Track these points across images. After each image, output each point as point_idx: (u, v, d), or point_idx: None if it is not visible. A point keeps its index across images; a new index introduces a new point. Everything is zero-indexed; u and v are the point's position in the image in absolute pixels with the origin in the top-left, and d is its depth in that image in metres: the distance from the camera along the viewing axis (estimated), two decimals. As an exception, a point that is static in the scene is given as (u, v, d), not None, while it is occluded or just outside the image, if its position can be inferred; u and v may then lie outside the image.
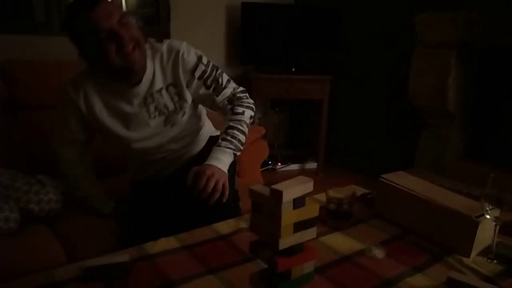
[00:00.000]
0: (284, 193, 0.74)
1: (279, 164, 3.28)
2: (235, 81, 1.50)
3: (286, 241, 0.77)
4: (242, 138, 1.40)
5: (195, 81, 1.40)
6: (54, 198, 1.45)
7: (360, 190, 1.48)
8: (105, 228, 1.47)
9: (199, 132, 1.57)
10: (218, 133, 1.59)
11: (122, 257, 1.00)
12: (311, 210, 0.80)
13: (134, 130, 1.40)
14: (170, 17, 2.78)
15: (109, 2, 1.24)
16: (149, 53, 1.36)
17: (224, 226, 1.22)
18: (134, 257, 1.03)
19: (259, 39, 3.04)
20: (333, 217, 1.23)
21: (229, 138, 1.37)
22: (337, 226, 1.22)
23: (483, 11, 2.24)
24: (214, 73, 1.42)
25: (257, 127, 2.44)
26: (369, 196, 1.39)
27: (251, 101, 1.49)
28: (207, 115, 1.66)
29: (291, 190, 0.75)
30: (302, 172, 3.23)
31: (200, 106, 1.55)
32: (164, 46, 1.38)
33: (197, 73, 1.39)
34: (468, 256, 1.07)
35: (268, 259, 0.80)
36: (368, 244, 1.11)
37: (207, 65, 1.41)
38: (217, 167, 1.29)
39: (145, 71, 1.34)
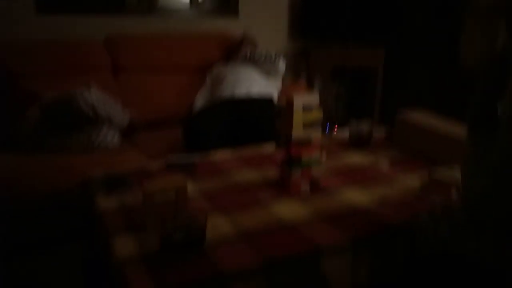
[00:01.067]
0: (295, 99, 1.09)
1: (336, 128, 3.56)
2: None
3: (298, 134, 1.12)
4: None
5: None
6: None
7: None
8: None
9: None
10: None
11: (191, 159, 1.42)
12: (316, 114, 1.14)
13: None
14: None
15: None
16: None
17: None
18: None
19: (318, 12, 3.31)
20: (354, 143, 1.54)
21: None
22: (357, 149, 1.53)
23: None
24: None
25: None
26: (389, 131, 1.67)
27: None
28: None
29: (301, 98, 1.10)
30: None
31: None
32: None
33: None
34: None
35: (286, 147, 1.15)
36: (377, 158, 1.41)
37: None
38: None
39: None
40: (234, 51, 2.64)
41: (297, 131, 1.12)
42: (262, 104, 2.08)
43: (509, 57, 0.82)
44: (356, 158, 1.47)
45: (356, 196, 1.18)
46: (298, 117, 1.11)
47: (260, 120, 1.90)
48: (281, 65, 2.56)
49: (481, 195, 0.81)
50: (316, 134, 1.15)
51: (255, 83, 2.29)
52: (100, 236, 1.08)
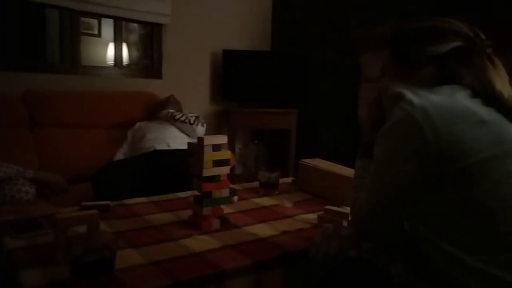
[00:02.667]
0: (205, 140, 1.22)
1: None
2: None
3: (208, 171, 1.24)
4: None
5: None
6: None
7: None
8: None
9: None
10: None
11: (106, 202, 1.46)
12: (225, 154, 1.27)
13: None
14: (162, 62, 3.36)
15: None
16: None
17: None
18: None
19: (238, 80, 3.60)
20: (263, 187, 1.69)
21: None
22: (265, 193, 1.67)
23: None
24: None
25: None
26: (295, 178, 1.86)
27: None
28: None
29: (211, 139, 1.24)
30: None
31: None
32: None
33: None
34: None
35: (197, 184, 1.26)
36: (282, 200, 1.57)
37: None
38: None
39: None
40: (157, 110, 2.76)
41: (208, 169, 1.24)
42: (179, 154, 2.17)
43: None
44: (264, 201, 1.61)
45: (262, 230, 1.29)
46: (208, 156, 1.23)
47: (177, 169, 1.98)
48: (199, 129, 2.59)
49: (362, 210, 0.97)
50: (224, 172, 1.28)
51: (176, 139, 2.41)
52: (6, 274, 1.06)
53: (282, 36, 3.94)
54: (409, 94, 0.87)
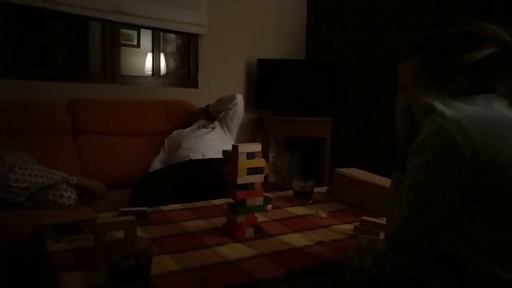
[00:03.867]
0: (239, 148, 1.23)
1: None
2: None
3: (242, 179, 1.24)
4: None
5: None
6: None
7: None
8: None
9: None
10: None
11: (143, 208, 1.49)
12: (259, 162, 1.27)
13: None
14: (199, 71, 3.42)
15: None
16: None
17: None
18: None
19: (272, 88, 3.61)
20: (297, 196, 1.67)
21: None
22: (299, 202, 1.66)
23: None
24: None
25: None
26: (329, 187, 1.83)
27: None
28: None
29: (245, 146, 1.24)
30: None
31: None
32: None
33: None
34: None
35: (231, 192, 1.27)
36: (316, 209, 1.55)
37: None
38: None
39: None
40: (194, 119, 2.81)
41: (242, 177, 1.24)
42: (215, 163, 2.20)
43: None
44: (298, 210, 1.59)
45: (296, 239, 1.28)
46: (242, 164, 1.24)
47: (212, 179, 2.00)
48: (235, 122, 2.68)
49: (398, 225, 0.94)
50: (258, 180, 1.28)
51: (210, 149, 2.43)
52: (48, 276, 1.10)
53: (317, 44, 3.92)
54: (440, 106, 0.84)
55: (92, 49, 3.55)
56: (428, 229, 0.89)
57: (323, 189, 1.91)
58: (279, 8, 3.77)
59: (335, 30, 3.72)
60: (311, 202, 1.68)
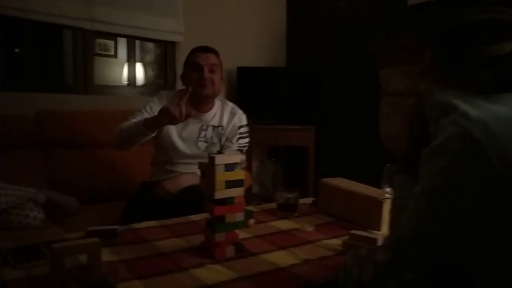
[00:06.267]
0: (216, 159, 1.12)
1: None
2: None
3: (220, 193, 1.13)
4: None
5: (236, 135, 1.99)
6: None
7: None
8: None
9: None
10: None
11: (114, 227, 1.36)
12: (239, 174, 1.16)
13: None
14: (176, 80, 3.30)
15: (214, 56, 1.95)
16: (219, 102, 2.04)
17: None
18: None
19: (253, 97, 3.52)
20: (281, 209, 1.57)
21: None
22: (284, 215, 1.55)
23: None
24: (246, 140, 2.02)
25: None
26: (315, 199, 1.73)
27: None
28: None
29: (223, 157, 1.13)
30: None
31: None
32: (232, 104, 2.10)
33: (241, 130, 2.00)
34: (379, 230, 1.38)
35: (208, 207, 1.15)
36: (302, 223, 1.44)
37: (247, 132, 2.02)
38: None
39: (211, 107, 1.98)
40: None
41: (220, 191, 1.13)
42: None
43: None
44: (283, 224, 1.48)
45: (280, 258, 1.17)
46: (220, 176, 1.13)
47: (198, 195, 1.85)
48: None
49: (403, 234, 0.84)
50: (239, 194, 1.17)
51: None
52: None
53: (297, 52, 3.85)
54: (463, 105, 0.73)
55: (66, 59, 3.41)
56: (440, 244, 0.78)
57: (308, 200, 1.81)
58: (258, 15, 3.70)
59: (315, 37, 3.67)
60: (296, 214, 1.58)
